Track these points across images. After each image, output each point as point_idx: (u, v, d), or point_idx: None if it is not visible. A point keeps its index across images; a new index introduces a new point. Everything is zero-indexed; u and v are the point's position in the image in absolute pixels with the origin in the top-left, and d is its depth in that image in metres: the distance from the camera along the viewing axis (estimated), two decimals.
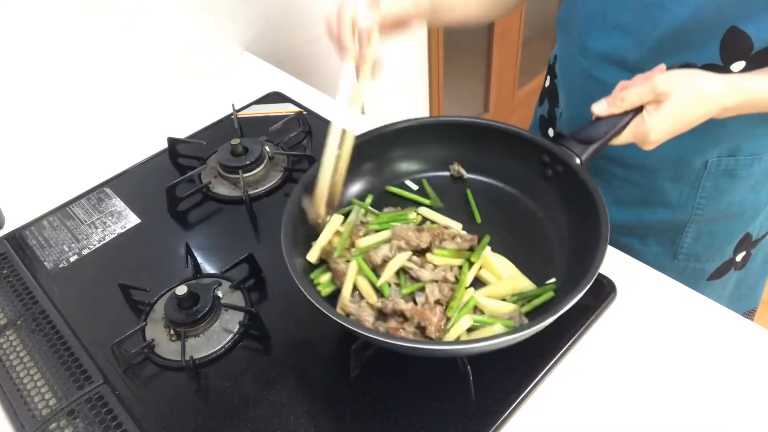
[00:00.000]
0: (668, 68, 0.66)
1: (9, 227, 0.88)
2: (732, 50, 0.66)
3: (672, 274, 0.75)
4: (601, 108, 0.66)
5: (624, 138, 0.66)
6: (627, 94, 0.64)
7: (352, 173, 0.73)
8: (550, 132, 0.95)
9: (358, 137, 0.71)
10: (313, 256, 0.69)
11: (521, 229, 0.74)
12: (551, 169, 0.73)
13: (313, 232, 0.70)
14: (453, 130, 0.78)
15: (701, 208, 0.82)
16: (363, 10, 0.60)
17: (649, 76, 0.64)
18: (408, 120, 0.76)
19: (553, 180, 0.73)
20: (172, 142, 0.97)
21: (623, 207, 0.87)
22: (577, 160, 0.68)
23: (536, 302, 0.65)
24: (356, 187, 0.79)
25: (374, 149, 0.77)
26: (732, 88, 0.63)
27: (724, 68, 0.68)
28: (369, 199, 0.77)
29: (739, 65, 0.67)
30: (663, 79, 0.63)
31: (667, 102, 0.62)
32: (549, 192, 0.74)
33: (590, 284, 0.57)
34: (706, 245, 0.86)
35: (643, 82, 0.63)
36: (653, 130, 0.63)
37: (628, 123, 0.65)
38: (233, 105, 1.04)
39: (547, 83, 0.95)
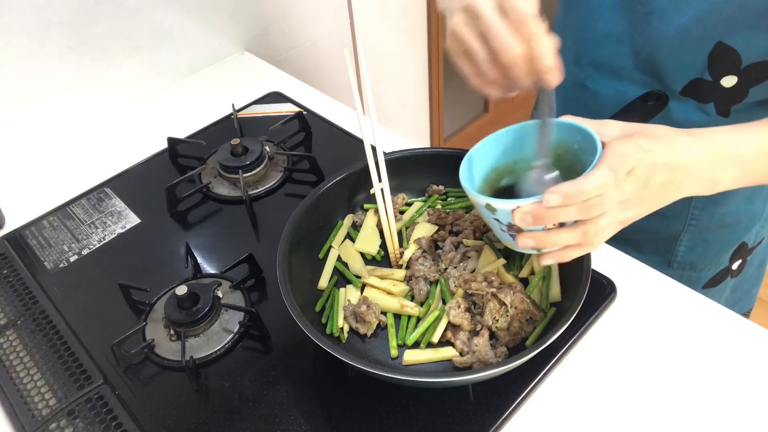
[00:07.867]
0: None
1: (9, 227, 0.88)
2: (720, 65, 0.66)
3: None
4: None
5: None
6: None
7: (342, 206, 0.78)
8: None
9: (340, 171, 0.75)
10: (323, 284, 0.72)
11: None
12: None
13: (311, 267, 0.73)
14: (437, 160, 0.79)
15: (695, 218, 0.81)
16: None
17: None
18: (393, 152, 0.77)
19: None
20: (172, 142, 0.97)
21: None
22: None
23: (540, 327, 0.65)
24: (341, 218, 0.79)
25: (363, 182, 0.76)
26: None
27: (713, 83, 0.68)
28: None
29: (730, 80, 0.67)
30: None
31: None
32: None
33: (572, 318, 0.57)
34: (700, 254, 0.85)
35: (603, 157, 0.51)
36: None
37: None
38: (233, 105, 1.04)
39: None
